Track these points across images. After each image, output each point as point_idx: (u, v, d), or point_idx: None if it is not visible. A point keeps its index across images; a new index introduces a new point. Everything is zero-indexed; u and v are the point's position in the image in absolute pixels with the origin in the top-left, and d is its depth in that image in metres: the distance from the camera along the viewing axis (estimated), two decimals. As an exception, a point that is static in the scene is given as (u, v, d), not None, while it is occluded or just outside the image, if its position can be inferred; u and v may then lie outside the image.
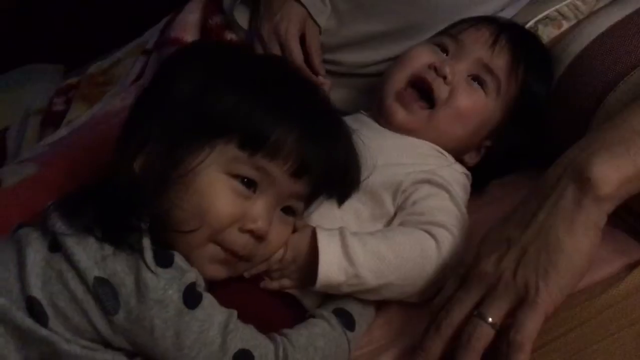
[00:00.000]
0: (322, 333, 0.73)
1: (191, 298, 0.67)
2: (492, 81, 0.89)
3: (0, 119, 1.40)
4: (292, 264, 0.76)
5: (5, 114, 1.45)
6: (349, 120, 0.90)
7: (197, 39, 1.14)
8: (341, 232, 0.76)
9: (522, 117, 0.91)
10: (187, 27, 1.16)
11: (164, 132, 0.71)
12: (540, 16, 0.96)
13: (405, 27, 1.00)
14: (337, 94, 1.04)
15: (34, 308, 0.66)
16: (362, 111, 0.94)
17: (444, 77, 0.87)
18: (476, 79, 0.89)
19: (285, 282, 0.77)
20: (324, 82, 1.03)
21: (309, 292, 0.77)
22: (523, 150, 0.92)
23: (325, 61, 1.05)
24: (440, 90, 0.87)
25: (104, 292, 0.65)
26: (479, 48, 0.90)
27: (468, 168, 0.90)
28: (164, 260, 0.67)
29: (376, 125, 0.90)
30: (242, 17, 1.13)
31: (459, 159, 0.90)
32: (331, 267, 0.73)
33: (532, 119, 0.91)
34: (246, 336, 0.69)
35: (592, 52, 0.85)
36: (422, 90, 0.88)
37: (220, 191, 0.70)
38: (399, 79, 0.90)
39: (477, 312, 0.66)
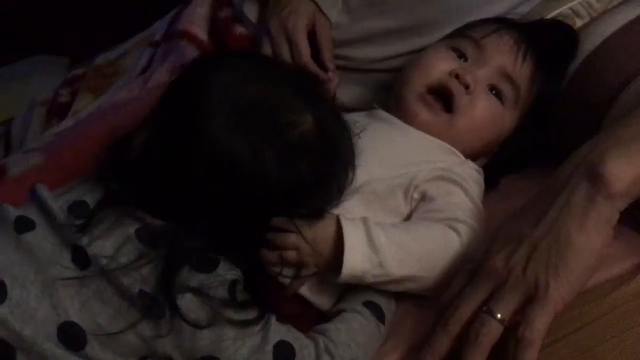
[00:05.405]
0: (361, 328, 0.73)
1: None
2: (511, 91, 0.88)
3: (5, 110, 1.39)
4: (308, 246, 0.74)
5: (11, 105, 1.44)
6: (363, 115, 0.90)
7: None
8: (364, 221, 0.75)
9: (534, 121, 0.90)
10: (196, 19, 1.15)
11: None
12: (553, 14, 0.96)
13: (417, 24, 0.99)
14: (346, 89, 1.04)
15: (69, 332, 0.65)
16: (376, 105, 0.93)
17: (467, 87, 0.86)
18: (494, 88, 0.88)
19: (304, 272, 0.74)
20: (332, 77, 1.02)
21: (322, 292, 0.76)
22: (532, 151, 0.92)
23: (335, 56, 1.04)
24: (462, 98, 0.86)
25: (148, 301, 0.65)
26: (501, 55, 0.89)
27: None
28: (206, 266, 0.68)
29: (393, 119, 0.89)
30: (251, 11, 1.12)
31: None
32: (356, 255, 0.72)
33: (543, 121, 0.90)
34: (284, 331, 0.69)
35: (606, 50, 0.85)
36: (443, 96, 0.87)
37: None
38: (418, 83, 0.89)
39: (485, 308, 0.65)
